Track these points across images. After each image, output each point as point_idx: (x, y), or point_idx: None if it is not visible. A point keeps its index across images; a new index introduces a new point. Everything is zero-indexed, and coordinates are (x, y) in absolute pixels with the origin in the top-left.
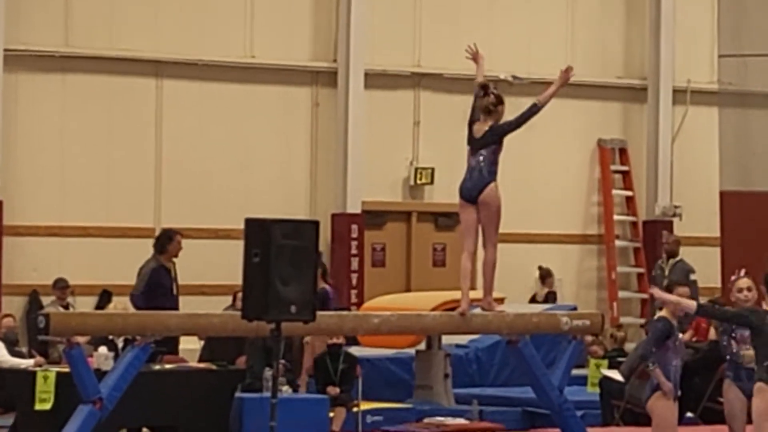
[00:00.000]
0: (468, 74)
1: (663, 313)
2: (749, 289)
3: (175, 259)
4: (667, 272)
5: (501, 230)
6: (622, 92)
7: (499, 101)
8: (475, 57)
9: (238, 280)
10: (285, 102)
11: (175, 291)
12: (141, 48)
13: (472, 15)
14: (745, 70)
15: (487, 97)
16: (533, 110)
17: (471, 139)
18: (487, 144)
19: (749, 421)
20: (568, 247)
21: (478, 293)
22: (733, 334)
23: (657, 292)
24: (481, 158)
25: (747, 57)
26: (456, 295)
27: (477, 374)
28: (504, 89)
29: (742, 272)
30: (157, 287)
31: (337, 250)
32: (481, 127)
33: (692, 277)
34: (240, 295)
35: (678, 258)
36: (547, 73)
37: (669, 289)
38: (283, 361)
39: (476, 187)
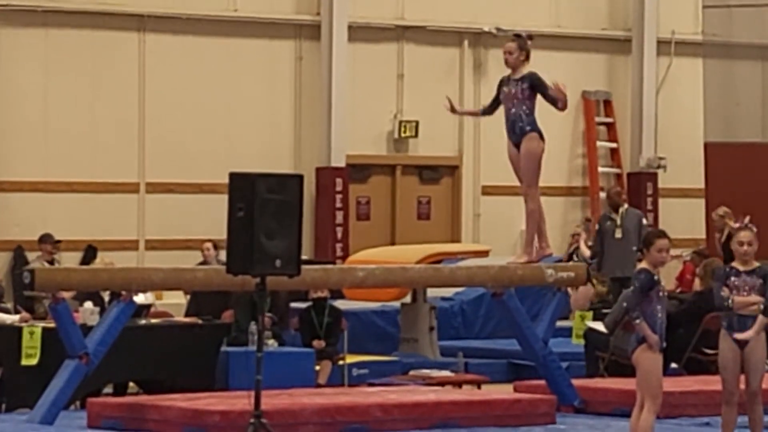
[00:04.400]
0: (451, 27)
1: (644, 264)
2: (750, 244)
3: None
4: (619, 221)
5: (485, 183)
6: (606, 44)
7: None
8: None
9: (222, 234)
10: (268, 56)
11: None
12: (124, 2)
13: None
14: (729, 20)
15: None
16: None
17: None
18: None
19: (742, 370)
20: (552, 200)
21: (464, 246)
22: (727, 282)
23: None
24: (519, 109)
25: (731, 8)
26: (440, 247)
27: (462, 327)
28: (488, 41)
29: (746, 219)
30: None
31: (322, 203)
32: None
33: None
34: (206, 245)
35: (625, 206)
36: (532, 25)
37: (648, 242)
38: (269, 315)
39: (519, 138)
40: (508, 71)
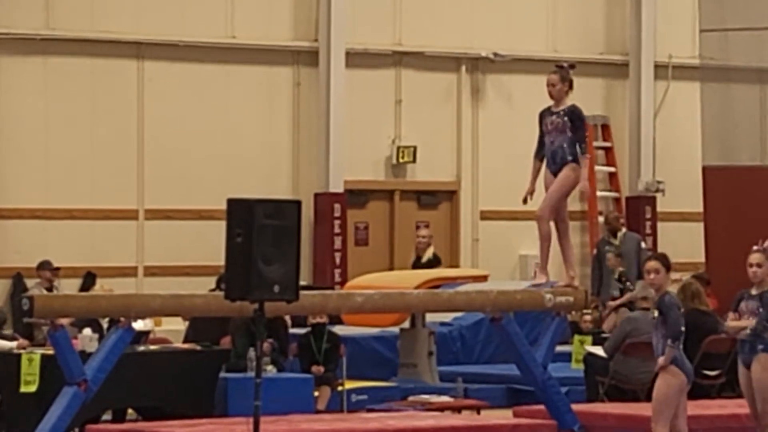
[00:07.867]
0: (449, 52)
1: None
2: (759, 265)
3: None
4: (618, 244)
5: (484, 207)
6: (603, 68)
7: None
8: None
9: (221, 260)
10: (266, 82)
11: None
12: (122, 30)
13: None
14: (726, 44)
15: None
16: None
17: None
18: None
19: None
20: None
21: (463, 271)
22: (739, 306)
23: (730, 324)
24: (562, 139)
25: (728, 31)
26: (439, 272)
27: (461, 352)
28: (486, 67)
29: (766, 244)
30: None
31: (320, 229)
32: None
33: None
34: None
35: (624, 230)
36: (528, 50)
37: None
38: (270, 340)
39: (559, 168)
40: (504, 98)
